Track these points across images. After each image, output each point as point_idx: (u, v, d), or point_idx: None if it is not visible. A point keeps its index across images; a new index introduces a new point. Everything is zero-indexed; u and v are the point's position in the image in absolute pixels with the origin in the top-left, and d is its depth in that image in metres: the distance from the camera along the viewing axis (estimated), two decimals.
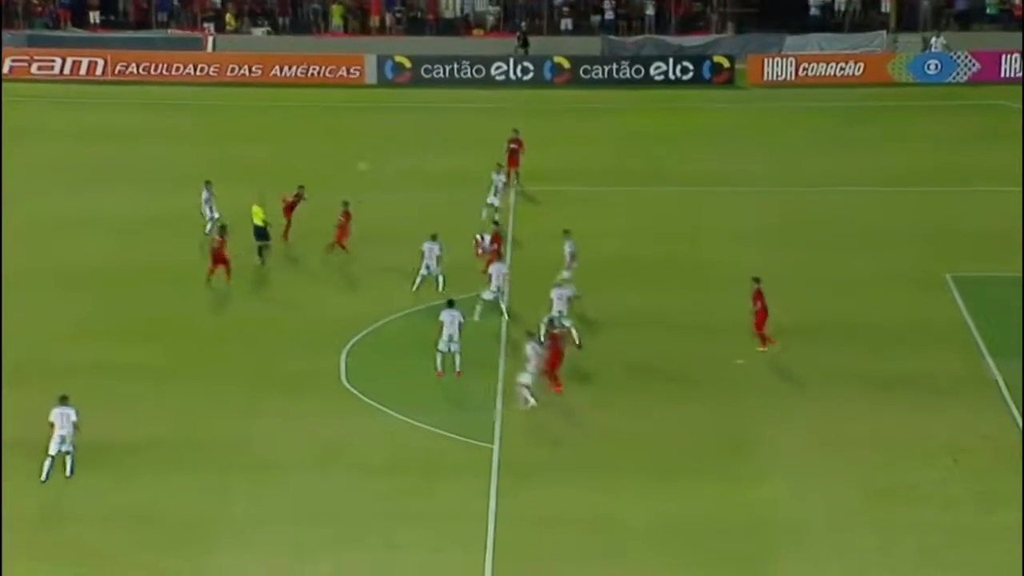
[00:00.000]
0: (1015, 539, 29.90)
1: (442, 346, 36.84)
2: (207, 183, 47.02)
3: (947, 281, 43.04)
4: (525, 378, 35.20)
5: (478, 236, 43.19)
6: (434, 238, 41.95)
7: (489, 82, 67.29)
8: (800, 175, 53.59)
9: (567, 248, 41.83)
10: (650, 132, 59.63)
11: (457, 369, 36.94)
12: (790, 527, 30.72)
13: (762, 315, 38.29)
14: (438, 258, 41.77)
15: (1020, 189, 50.20)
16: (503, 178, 47.70)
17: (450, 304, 37.58)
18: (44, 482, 31.72)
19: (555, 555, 29.81)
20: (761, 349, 38.27)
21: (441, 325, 36.85)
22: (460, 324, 36.93)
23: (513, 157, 52.44)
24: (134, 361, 38.08)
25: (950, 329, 40.03)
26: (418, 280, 41.89)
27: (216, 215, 46.17)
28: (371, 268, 44.51)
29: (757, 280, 38.56)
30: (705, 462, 33.36)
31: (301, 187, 46.39)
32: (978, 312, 40.79)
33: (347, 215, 45.39)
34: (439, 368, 36.96)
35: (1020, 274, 42.42)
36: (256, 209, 44.58)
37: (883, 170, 54.08)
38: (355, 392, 36.55)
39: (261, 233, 44.25)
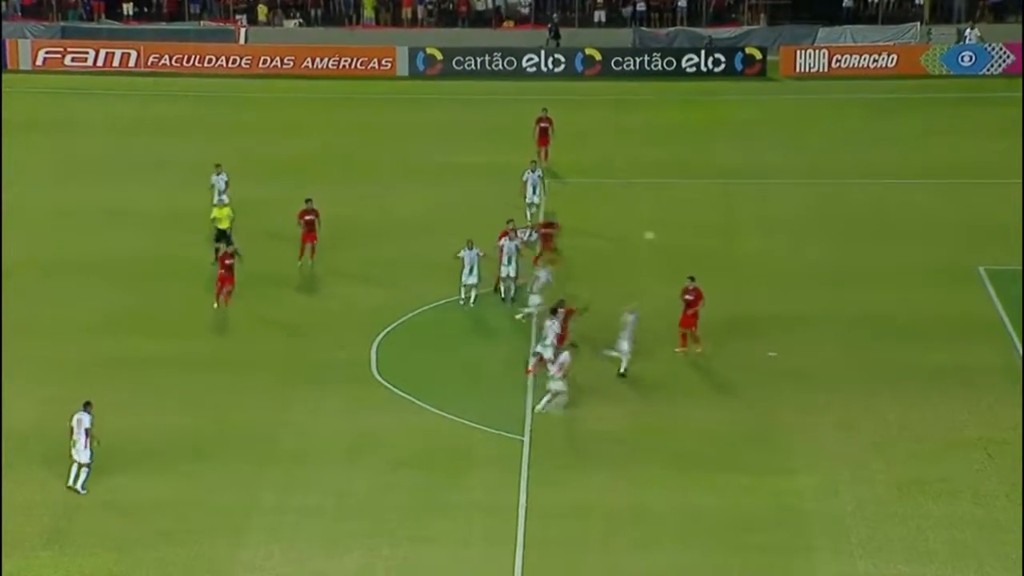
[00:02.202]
0: None
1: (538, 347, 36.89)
2: (217, 167, 46.80)
3: (979, 274, 42.81)
4: (556, 385, 34.83)
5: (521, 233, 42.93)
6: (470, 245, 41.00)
7: (520, 74, 67.17)
8: (833, 167, 53.36)
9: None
10: (682, 124, 59.45)
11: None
12: (821, 519, 30.64)
13: (694, 316, 37.55)
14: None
15: None
16: (540, 173, 47.21)
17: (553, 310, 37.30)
18: (70, 488, 31.52)
19: (585, 547, 29.80)
20: (681, 350, 37.84)
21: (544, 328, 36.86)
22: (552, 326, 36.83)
23: (543, 136, 52.46)
24: (164, 353, 38.18)
25: (983, 322, 39.82)
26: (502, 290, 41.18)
27: (225, 199, 45.34)
28: (402, 260, 44.46)
29: (693, 278, 37.91)
30: (736, 454, 33.27)
31: (553, 219, 43.48)
32: (1010, 305, 40.55)
33: (553, 226, 42.56)
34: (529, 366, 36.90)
35: None
36: (221, 212, 43.58)
37: (916, 162, 53.78)
38: (386, 384, 36.56)
39: (223, 236, 43.14)
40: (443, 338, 39.29)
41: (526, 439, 33.83)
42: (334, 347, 38.59)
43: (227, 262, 40.64)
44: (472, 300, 40.94)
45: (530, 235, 43.37)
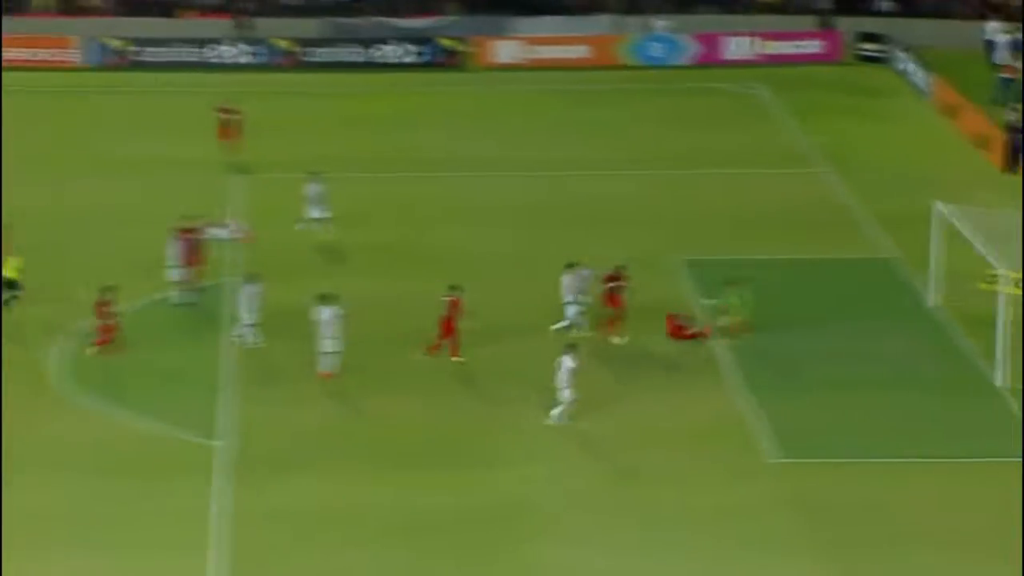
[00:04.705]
0: (751, 516, 30.61)
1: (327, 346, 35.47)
2: None
3: (678, 263, 43.09)
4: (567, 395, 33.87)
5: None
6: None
7: (209, 65, 65.24)
8: (534, 158, 53.20)
9: None
10: (380, 116, 58.57)
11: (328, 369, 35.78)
12: (538, 512, 30.73)
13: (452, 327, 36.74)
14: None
15: (746, 171, 51.23)
16: (319, 187, 44.90)
17: (326, 299, 35.77)
18: None
19: (287, 548, 29.20)
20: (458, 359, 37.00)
21: (320, 324, 35.42)
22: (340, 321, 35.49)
23: (225, 129, 50.98)
24: None
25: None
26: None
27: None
28: (84, 257, 42.54)
29: (455, 288, 37.06)
30: (450, 450, 33.10)
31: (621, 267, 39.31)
32: (710, 295, 40.85)
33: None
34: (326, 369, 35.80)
35: (745, 257, 43.13)
36: (14, 263, 39.96)
37: (613, 153, 54.00)
38: (73, 390, 35.35)
39: (11, 286, 40.04)
40: (132, 341, 37.56)
41: (221, 443, 32.87)
42: (14, 354, 36.76)
43: (104, 310, 37.31)
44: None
45: (228, 231, 42.04)
